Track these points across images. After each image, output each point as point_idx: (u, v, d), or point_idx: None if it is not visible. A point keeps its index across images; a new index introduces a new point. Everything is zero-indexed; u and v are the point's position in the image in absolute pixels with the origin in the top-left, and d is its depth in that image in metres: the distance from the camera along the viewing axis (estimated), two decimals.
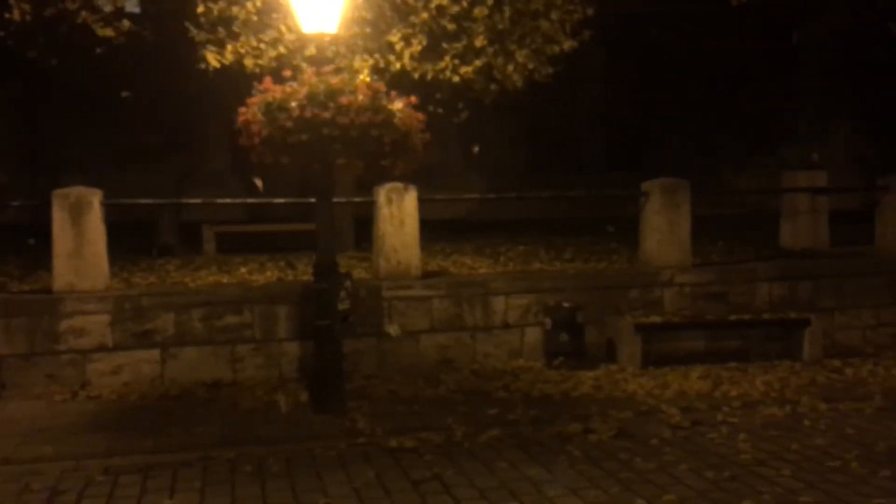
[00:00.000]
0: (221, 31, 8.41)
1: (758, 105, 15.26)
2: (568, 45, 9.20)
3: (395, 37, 8.46)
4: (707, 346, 7.90)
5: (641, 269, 8.45)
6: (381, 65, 8.49)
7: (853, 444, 5.50)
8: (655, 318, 7.92)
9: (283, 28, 8.26)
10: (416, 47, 8.53)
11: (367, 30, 8.42)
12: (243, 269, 8.27)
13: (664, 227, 8.32)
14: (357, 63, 8.29)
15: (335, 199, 6.80)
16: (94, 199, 7.15)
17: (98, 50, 8.76)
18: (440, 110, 9.11)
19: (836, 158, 13.71)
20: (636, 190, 8.62)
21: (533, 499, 4.64)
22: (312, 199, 6.47)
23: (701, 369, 7.48)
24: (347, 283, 6.34)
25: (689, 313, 8.11)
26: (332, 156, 5.96)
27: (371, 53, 8.48)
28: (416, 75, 8.65)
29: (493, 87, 9.30)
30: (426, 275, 7.92)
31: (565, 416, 6.11)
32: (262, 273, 8.17)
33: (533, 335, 7.80)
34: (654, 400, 6.59)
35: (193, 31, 8.47)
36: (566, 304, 7.68)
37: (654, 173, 8.65)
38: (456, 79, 8.79)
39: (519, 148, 15.55)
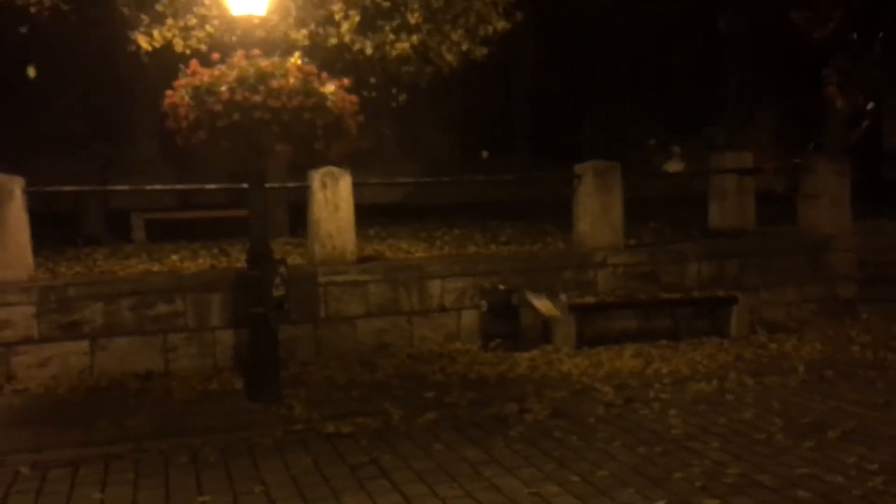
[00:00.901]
0: (150, 12, 8.19)
1: (686, 89, 15.59)
2: (501, 25, 9.23)
3: (335, 5, 8.33)
4: (639, 325, 8.08)
5: (575, 250, 8.56)
6: (318, 36, 8.35)
7: (778, 417, 5.69)
8: (589, 299, 8.04)
9: (213, 8, 8.08)
10: (354, 18, 8.43)
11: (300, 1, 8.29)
12: (174, 257, 8.11)
13: (597, 210, 8.44)
14: (292, 34, 8.15)
15: (268, 185, 6.70)
16: (16, 186, 6.91)
17: (22, 29, 8.43)
18: (374, 94, 9.06)
19: (761, 140, 14.09)
20: (569, 173, 8.71)
21: (470, 479, 4.68)
22: (244, 185, 6.36)
23: (633, 348, 7.64)
24: (282, 270, 6.27)
25: (622, 293, 8.26)
26: (263, 140, 5.87)
27: (306, 25, 8.36)
28: (354, 48, 8.55)
29: (428, 68, 9.28)
30: (362, 260, 7.89)
31: (501, 398, 6.17)
32: (193, 260, 8.01)
33: (469, 318, 7.84)
34: (589, 379, 6.70)
35: (123, 10, 8.23)
36: (502, 287, 7.74)
37: (587, 156, 8.75)
38: (393, 53, 8.73)
39: (454, 132, 15.59)
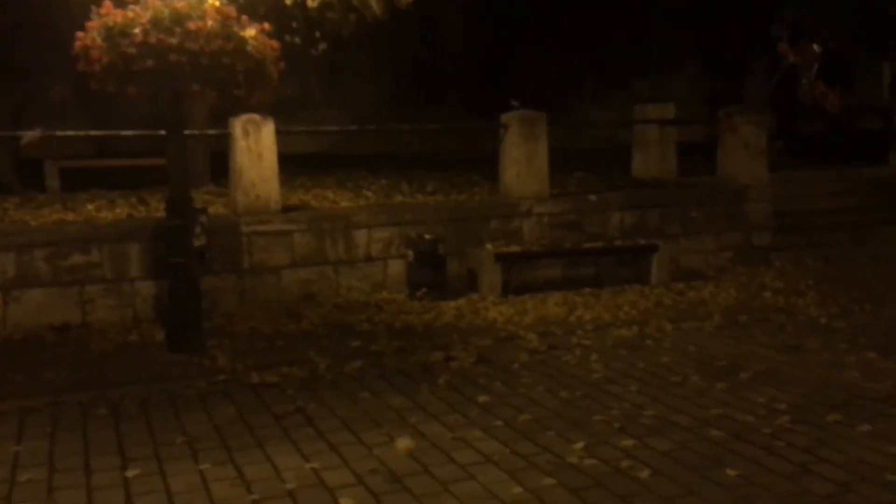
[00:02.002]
0: None
1: (612, 42, 15.67)
2: None
3: None
4: (564, 274, 8.21)
5: (501, 200, 8.61)
6: None
7: (694, 361, 5.89)
8: (515, 248, 8.12)
9: None
10: None
11: None
12: (90, 207, 7.85)
13: (523, 159, 8.48)
14: None
15: (187, 132, 6.52)
16: None
17: None
18: (297, 40, 8.84)
19: (683, 93, 14.31)
20: (495, 122, 8.72)
21: (395, 426, 4.72)
22: (163, 132, 6.17)
23: (558, 296, 7.77)
24: (203, 219, 6.14)
25: (547, 242, 8.36)
26: (180, 84, 5.68)
27: None
28: None
29: (352, 16, 9.09)
30: (286, 209, 7.78)
31: (428, 346, 6.21)
32: (111, 210, 7.78)
33: (396, 267, 7.84)
34: (514, 326, 6.80)
35: None
36: (428, 237, 7.75)
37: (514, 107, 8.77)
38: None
39: (382, 82, 15.38)
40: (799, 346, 6.20)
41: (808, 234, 9.63)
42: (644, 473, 4.04)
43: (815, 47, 11.94)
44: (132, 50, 5.43)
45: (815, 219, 9.98)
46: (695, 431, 4.58)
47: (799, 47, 11.99)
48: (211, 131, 8.57)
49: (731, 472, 4.02)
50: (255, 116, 7.43)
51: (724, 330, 6.72)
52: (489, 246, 8.00)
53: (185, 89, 5.76)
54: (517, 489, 3.89)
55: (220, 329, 6.62)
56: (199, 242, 6.04)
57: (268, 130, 7.50)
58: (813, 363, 5.79)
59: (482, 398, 5.16)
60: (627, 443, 4.42)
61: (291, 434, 4.61)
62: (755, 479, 3.97)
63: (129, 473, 4.11)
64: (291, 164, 9.39)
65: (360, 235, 7.76)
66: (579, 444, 4.39)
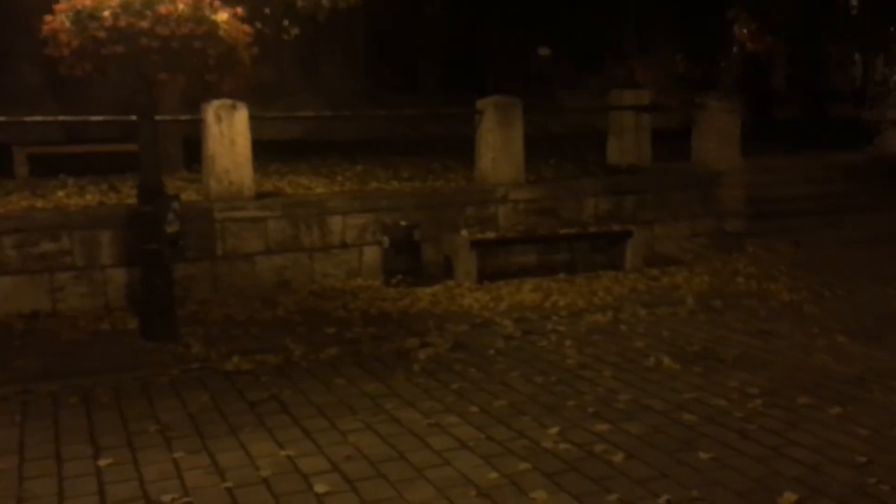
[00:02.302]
0: None
1: (588, 28, 15.68)
2: None
3: None
4: (539, 260, 8.23)
5: (477, 186, 8.60)
6: None
7: (667, 346, 5.93)
8: (490, 234, 8.13)
9: None
10: None
11: None
12: (60, 193, 7.74)
13: (498, 145, 8.47)
14: None
15: (159, 117, 6.43)
16: None
17: None
18: (269, 26, 8.73)
19: (659, 79, 14.36)
20: (471, 108, 8.69)
21: (371, 413, 4.71)
22: (134, 117, 6.09)
23: (533, 282, 7.79)
24: (175, 205, 6.06)
25: (522, 229, 8.37)
26: (151, 69, 5.60)
27: None
28: None
29: (325, 0, 9.00)
30: (260, 195, 7.72)
31: (403, 332, 6.21)
32: (81, 197, 7.67)
33: (371, 254, 7.82)
34: (489, 313, 6.81)
35: None
36: (403, 223, 7.73)
37: (491, 94, 8.73)
38: None
39: (358, 67, 15.28)
40: (771, 331, 6.27)
41: (781, 219, 9.73)
42: (618, 457, 4.07)
43: (768, 36, 12.04)
44: (102, 34, 5.35)
45: (788, 205, 10.09)
46: (668, 415, 4.62)
47: (755, 34, 12.09)
48: (183, 117, 8.47)
49: (703, 455, 4.06)
50: (228, 102, 7.36)
51: (697, 315, 6.77)
52: (465, 232, 8.00)
53: (156, 74, 5.67)
54: (492, 474, 3.90)
55: (193, 316, 6.57)
56: (171, 229, 5.96)
57: (241, 116, 7.43)
58: (785, 347, 5.86)
59: (457, 384, 5.16)
60: (601, 427, 4.45)
61: (266, 421, 4.59)
62: (727, 461, 4.01)
63: (102, 462, 4.07)
64: (266, 151, 9.31)
65: (335, 222, 7.72)
66: (554, 429, 4.41)
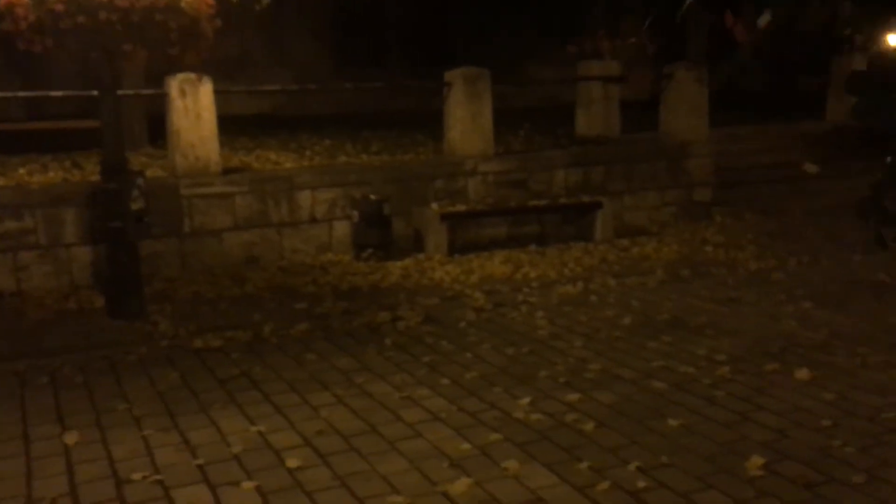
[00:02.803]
0: None
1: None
2: None
3: None
4: (509, 232, 8.24)
5: (446, 159, 8.57)
6: None
7: (637, 315, 5.97)
8: (460, 207, 8.11)
9: None
10: None
11: None
12: (22, 171, 7.58)
13: (467, 117, 8.43)
14: None
15: (122, 92, 6.32)
16: None
17: None
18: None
19: (627, 50, 14.34)
20: (439, 81, 8.63)
21: (342, 387, 4.71)
22: (95, 93, 5.96)
23: (503, 254, 7.80)
24: (140, 182, 5.97)
25: (492, 201, 8.36)
26: (112, 43, 5.48)
27: None
28: None
29: None
30: (227, 171, 7.63)
31: (374, 307, 6.19)
32: (43, 174, 7.53)
33: (341, 229, 7.77)
34: (460, 285, 6.81)
35: None
36: (373, 197, 7.68)
37: (459, 66, 8.67)
38: None
39: (324, 40, 15.10)
40: (739, 299, 6.34)
41: (748, 188, 9.82)
42: (588, 426, 4.10)
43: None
44: (59, 6, 5.22)
45: (754, 174, 10.18)
46: (638, 384, 4.66)
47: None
48: (146, 91, 8.33)
49: (672, 422, 4.11)
50: (193, 76, 7.23)
51: (666, 284, 6.83)
52: (435, 205, 7.97)
53: (117, 48, 5.56)
54: (465, 445, 3.92)
55: (161, 294, 6.50)
56: (136, 206, 5.88)
57: (206, 90, 7.31)
58: (752, 314, 5.93)
59: (429, 357, 5.17)
60: (572, 397, 4.48)
61: (236, 398, 4.57)
62: (696, 428, 4.06)
63: (70, 441, 4.03)
64: (232, 126, 9.20)
65: (304, 197, 7.66)
66: (525, 400, 4.44)
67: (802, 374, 4.70)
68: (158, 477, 3.66)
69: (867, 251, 7.67)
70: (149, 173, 6.99)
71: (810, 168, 6.79)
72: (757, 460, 3.67)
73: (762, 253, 7.75)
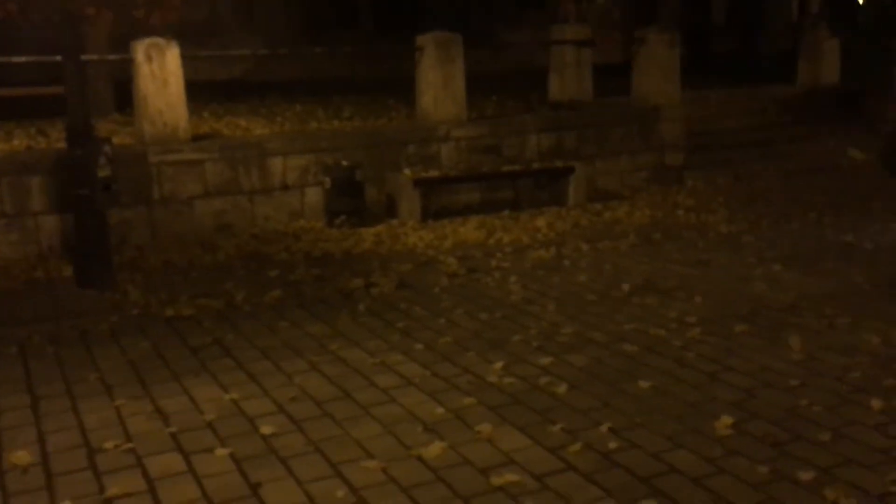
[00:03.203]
0: None
1: None
2: None
3: None
4: (482, 198, 8.23)
5: (419, 125, 8.51)
6: None
7: (610, 279, 6.01)
8: (433, 173, 8.08)
9: None
10: None
11: None
12: None
13: (439, 82, 8.37)
14: None
15: (86, 57, 6.20)
16: None
17: None
18: None
19: (594, 12, 14.28)
20: (411, 45, 8.54)
21: (316, 354, 4.70)
22: (59, 58, 5.83)
23: (477, 220, 7.80)
24: (107, 149, 5.87)
25: (465, 166, 8.34)
26: (74, 6, 5.36)
27: None
28: None
29: None
30: (197, 138, 7.53)
31: (347, 273, 6.17)
32: (7, 142, 7.39)
33: (313, 195, 7.72)
34: (434, 251, 6.81)
35: None
36: (345, 163, 7.63)
37: (431, 30, 8.58)
38: None
39: (294, 4, 14.87)
40: (709, 262, 6.39)
41: (719, 152, 9.87)
42: (561, 389, 4.13)
43: None
44: None
45: (726, 137, 10.22)
46: (610, 347, 4.70)
47: None
48: (112, 57, 8.16)
49: (643, 384, 4.15)
50: (159, 40, 7.09)
51: (638, 248, 6.87)
52: (407, 171, 7.93)
53: (80, 11, 5.43)
54: (438, 410, 3.94)
55: (131, 263, 6.44)
56: (103, 173, 5.78)
57: (172, 55, 7.18)
58: (722, 277, 5.98)
59: (402, 323, 5.17)
60: (545, 360, 4.51)
61: (209, 366, 4.54)
62: (666, 389, 4.11)
63: (41, 411, 3.99)
64: (202, 92, 9.07)
65: (276, 163, 7.59)
66: (498, 364, 4.46)
67: (771, 335, 4.77)
68: (130, 445, 3.64)
69: None
70: (116, 140, 6.88)
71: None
72: (726, 420, 3.73)
73: (733, 216, 7.81)
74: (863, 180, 9.21)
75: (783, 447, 3.51)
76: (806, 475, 3.26)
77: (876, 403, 3.88)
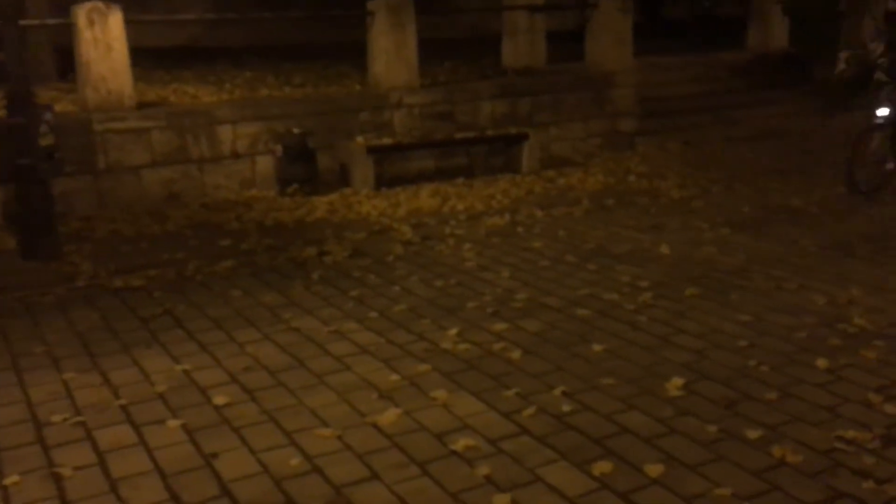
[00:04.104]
0: None
1: None
2: None
3: None
4: (436, 165, 8.19)
5: (371, 92, 8.41)
6: None
7: (564, 245, 6.05)
8: (387, 140, 8.00)
9: None
10: None
11: None
12: None
13: (391, 49, 8.26)
14: None
15: (24, 22, 5.97)
16: None
17: None
18: None
19: None
20: (362, 11, 8.41)
21: (269, 323, 4.66)
22: None
23: (431, 187, 7.76)
24: (48, 116, 5.69)
25: (419, 134, 8.28)
26: None
27: None
28: None
29: None
30: (143, 105, 7.34)
31: (300, 242, 6.11)
32: None
33: (264, 164, 7.60)
34: (388, 219, 6.77)
35: None
36: (296, 131, 7.52)
37: None
38: None
39: None
40: (661, 226, 6.46)
41: (670, 118, 9.94)
42: (515, 354, 4.16)
43: None
44: None
45: (677, 103, 10.29)
46: (564, 311, 4.73)
47: None
48: (52, 21, 7.89)
49: (596, 348, 4.20)
50: (101, 4, 6.88)
51: (592, 214, 6.91)
52: (360, 139, 7.85)
53: None
54: (393, 377, 3.94)
55: (77, 233, 6.29)
56: (45, 142, 5.61)
57: (115, 19, 6.97)
58: (674, 241, 6.05)
59: (357, 291, 5.15)
60: (500, 326, 4.53)
61: (160, 337, 4.48)
62: (619, 352, 4.16)
63: None
64: (147, 58, 8.84)
65: (225, 131, 7.44)
66: (453, 331, 4.47)
67: (720, 297, 4.85)
68: (79, 418, 3.58)
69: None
70: (59, 108, 6.69)
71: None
72: (677, 381, 3.79)
73: (684, 182, 7.90)
74: (810, 145, 9.36)
75: (732, 407, 3.58)
76: (754, 433, 3.33)
77: (821, 362, 3.97)
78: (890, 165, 7.23)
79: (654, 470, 3.09)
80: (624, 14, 9.55)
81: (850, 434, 3.31)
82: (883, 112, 7.07)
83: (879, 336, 4.27)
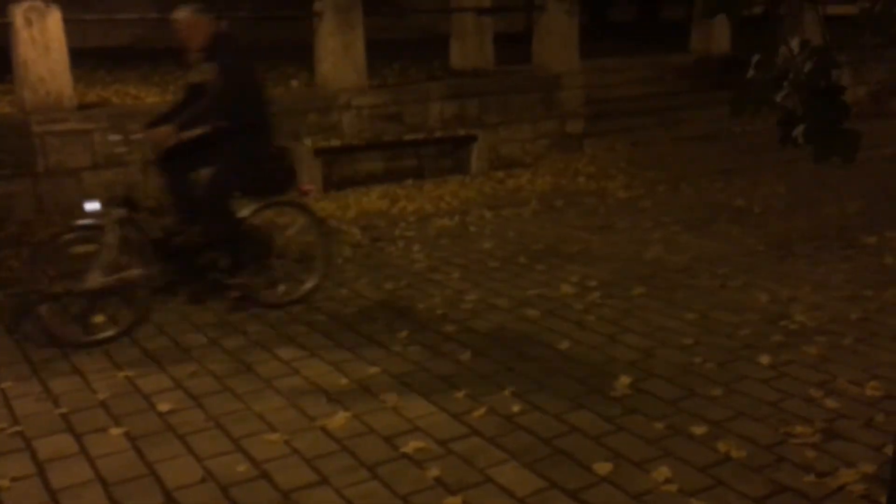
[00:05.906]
0: None
1: None
2: None
3: None
4: (385, 167, 8.15)
5: (319, 92, 8.33)
6: None
7: (513, 245, 6.06)
8: (335, 142, 7.94)
9: None
10: None
11: None
12: None
13: (339, 49, 8.20)
14: None
15: None
16: None
17: None
18: None
19: None
20: (309, 11, 8.33)
21: (215, 328, 4.58)
22: None
23: (380, 189, 7.73)
24: None
25: (368, 135, 8.23)
26: None
27: None
28: None
29: None
30: (84, 106, 7.16)
31: None
32: None
33: None
34: (337, 221, 6.71)
35: None
36: None
37: None
38: None
39: None
40: (609, 226, 6.53)
41: (618, 119, 10.04)
42: (465, 355, 4.15)
43: None
44: None
45: (624, 105, 10.41)
46: (513, 312, 4.75)
47: None
48: None
49: (546, 348, 4.21)
50: (38, 3, 6.69)
51: (541, 215, 6.95)
52: (308, 141, 7.77)
53: None
54: (343, 380, 3.90)
55: (16, 238, 6.11)
56: None
57: (53, 19, 6.79)
58: (622, 241, 6.12)
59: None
60: (450, 328, 4.52)
61: (102, 343, 4.37)
62: (567, 352, 4.18)
63: None
64: (89, 59, 8.65)
65: None
66: (403, 333, 4.45)
67: (667, 295, 4.91)
68: (18, 428, 3.47)
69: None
70: None
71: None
72: (625, 380, 3.82)
73: (631, 182, 7.99)
74: (752, 147, 9.54)
75: (678, 403, 3.62)
76: (699, 429, 3.38)
77: (765, 359, 4.04)
78: None
79: (603, 468, 3.11)
80: (570, 16, 9.62)
81: (793, 429, 3.37)
82: None
83: (820, 332, 4.37)
